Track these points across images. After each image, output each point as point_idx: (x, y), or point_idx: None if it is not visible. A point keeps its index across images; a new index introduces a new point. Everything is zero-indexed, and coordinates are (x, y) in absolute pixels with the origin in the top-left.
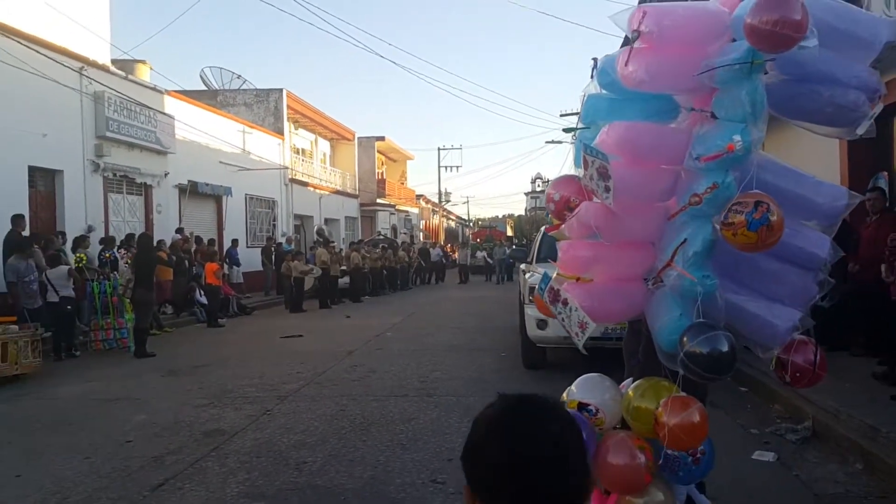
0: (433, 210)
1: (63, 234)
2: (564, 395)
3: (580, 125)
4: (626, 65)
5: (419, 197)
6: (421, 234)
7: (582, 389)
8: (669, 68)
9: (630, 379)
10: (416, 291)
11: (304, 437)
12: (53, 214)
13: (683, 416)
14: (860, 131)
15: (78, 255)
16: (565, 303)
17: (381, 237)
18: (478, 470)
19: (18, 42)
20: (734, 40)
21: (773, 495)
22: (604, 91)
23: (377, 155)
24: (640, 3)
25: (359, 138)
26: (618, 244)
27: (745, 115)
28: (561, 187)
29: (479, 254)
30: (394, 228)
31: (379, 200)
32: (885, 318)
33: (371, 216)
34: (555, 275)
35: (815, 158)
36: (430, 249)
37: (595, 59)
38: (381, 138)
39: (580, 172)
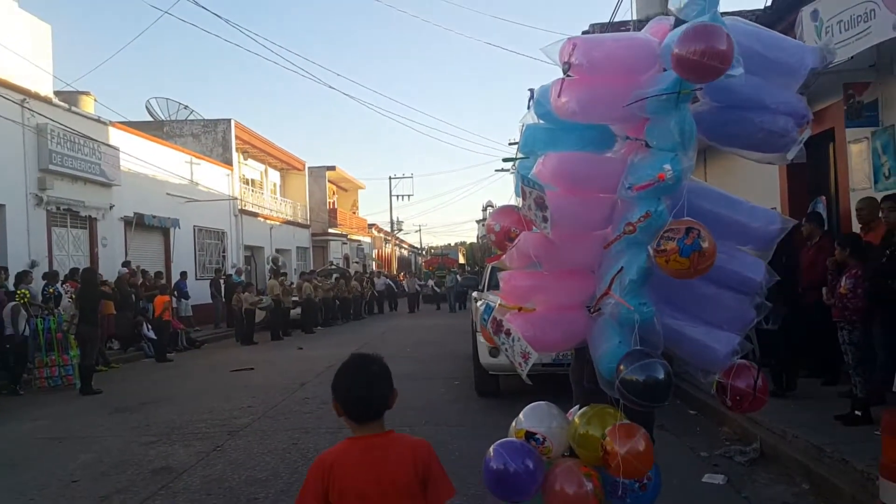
0: (385, 239)
1: (5, 269)
2: (514, 423)
3: (519, 155)
4: (558, 96)
5: (371, 226)
6: (374, 262)
7: (529, 418)
8: (601, 99)
9: (577, 406)
10: (368, 321)
11: (255, 473)
12: None
13: (630, 445)
14: (790, 156)
15: (20, 291)
16: (508, 333)
17: (334, 267)
18: (338, 392)
19: None
20: (665, 70)
21: None
22: (541, 121)
23: (328, 184)
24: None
25: (309, 168)
26: (558, 273)
27: (675, 144)
28: (501, 218)
29: (429, 282)
30: (346, 258)
31: (331, 230)
32: (826, 340)
33: (323, 246)
34: (497, 305)
35: (756, 184)
36: (375, 279)
37: (531, 90)
38: (332, 168)
39: (520, 202)
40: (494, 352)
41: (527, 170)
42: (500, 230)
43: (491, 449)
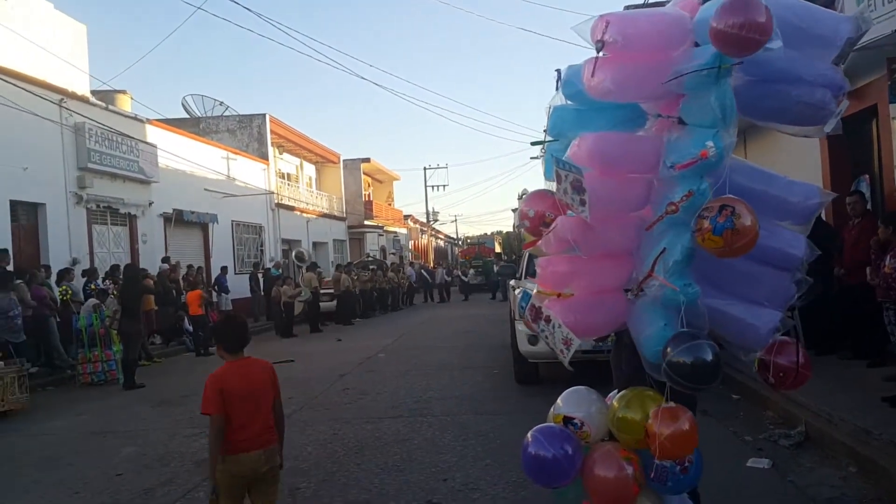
0: (421, 230)
1: (47, 267)
2: (552, 409)
3: (548, 138)
4: (591, 76)
5: (407, 217)
6: (410, 254)
7: (567, 403)
8: (635, 77)
9: (616, 390)
10: (406, 312)
11: (297, 463)
12: (37, 248)
13: (674, 427)
14: (828, 129)
15: (62, 288)
16: (548, 320)
17: (370, 259)
18: (221, 336)
19: None
20: (696, 44)
21: (769, 501)
22: (569, 102)
23: (363, 177)
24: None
25: (344, 161)
26: (595, 256)
27: (716, 121)
28: (534, 203)
29: (470, 272)
30: (382, 250)
31: (366, 222)
32: (871, 320)
33: (359, 238)
34: (535, 292)
35: (798, 163)
36: (408, 268)
37: (558, 71)
38: (367, 160)
39: (552, 186)
40: (534, 339)
41: (559, 152)
42: (535, 216)
43: (529, 434)
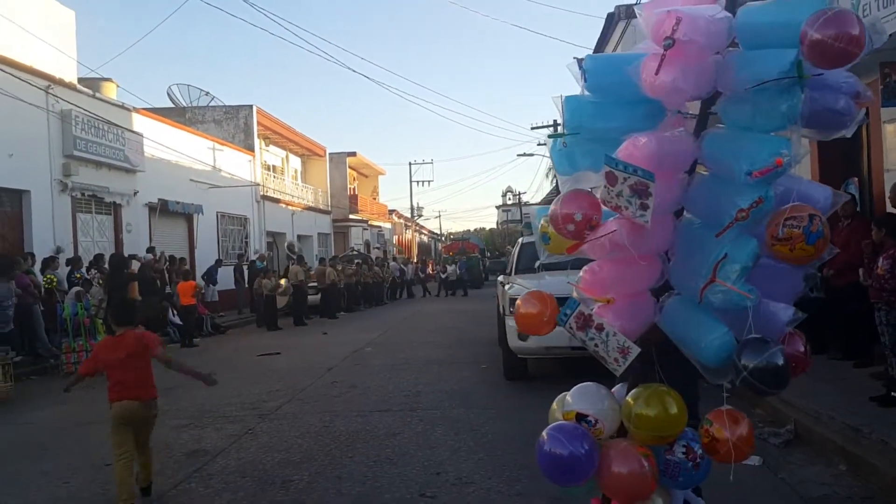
0: (406, 225)
1: (31, 255)
2: (555, 404)
3: (565, 131)
4: (656, 73)
5: (392, 212)
6: (394, 248)
7: (579, 400)
8: (698, 76)
9: (620, 385)
10: (390, 307)
11: (288, 455)
12: (21, 236)
13: (740, 429)
14: (847, 133)
15: (47, 276)
16: (600, 328)
17: (355, 253)
18: (110, 314)
19: None
20: (733, 44)
21: (760, 498)
22: (586, 93)
23: (349, 170)
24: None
25: (330, 154)
26: (631, 259)
27: (780, 127)
28: (579, 205)
29: (450, 268)
30: (367, 244)
31: (351, 216)
32: (863, 322)
33: (344, 232)
34: (578, 296)
35: None
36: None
37: (579, 59)
38: (353, 154)
39: (565, 181)
40: (523, 335)
41: (575, 144)
42: (583, 219)
43: (545, 433)
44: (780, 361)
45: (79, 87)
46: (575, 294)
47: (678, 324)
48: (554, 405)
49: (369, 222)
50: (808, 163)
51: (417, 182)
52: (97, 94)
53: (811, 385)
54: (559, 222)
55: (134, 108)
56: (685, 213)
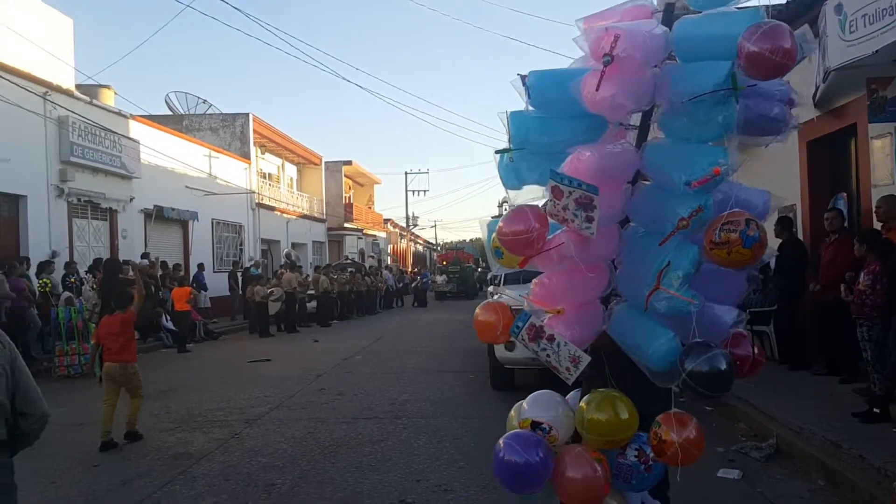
0: (401, 234)
1: (27, 259)
2: (513, 412)
3: (511, 146)
4: (596, 90)
5: (387, 221)
6: (389, 258)
7: (534, 407)
8: (636, 91)
9: (574, 392)
10: (383, 315)
11: (272, 460)
12: (17, 240)
13: (687, 432)
14: (782, 139)
15: (42, 280)
16: (551, 339)
17: (349, 261)
18: (113, 302)
19: None
20: (669, 58)
21: None
22: (531, 109)
23: (344, 179)
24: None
25: (326, 163)
26: (579, 270)
27: (717, 137)
28: (525, 220)
29: (440, 278)
30: (361, 253)
31: (346, 225)
32: (846, 337)
33: (338, 240)
34: (533, 310)
35: (776, 180)
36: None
37: (522, 76)
38: (349, 163)
39: (513, 195)
40: (510, 346)
41: (522, 160)
42: (530, 234)
43: (501, 441)
44: (722, 365)
45: (76, 93)
46: (526, 306)
47: (626, 331)
48: (512, 412)
49: (364, 231)
50: (797, 178)
51: (413, 191)
52: (94, 101)
53: (795, 400)
54: (507, 238)
55: (131, 115)
56: (630, 222)
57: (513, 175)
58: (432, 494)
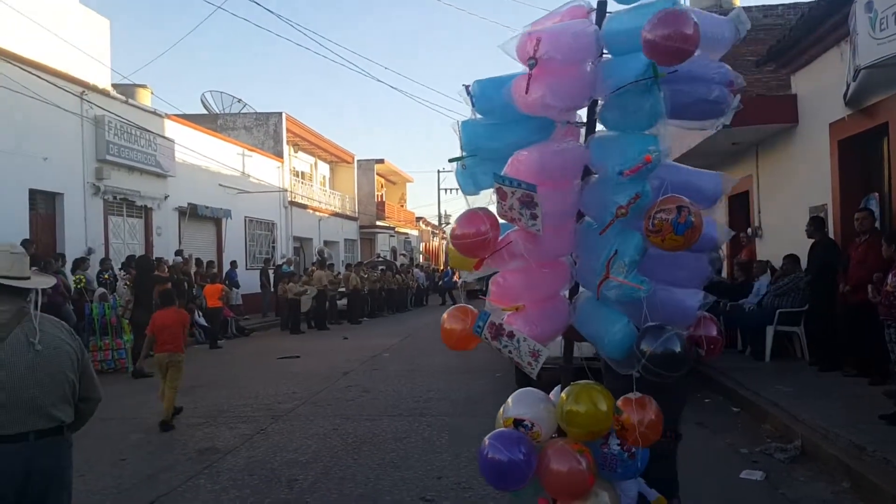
0: (433, 232)
1: (63, 256)
2: (500, 411)
3: (464, 154)
4: (526, 92)
5: (419, 219)
6: (421, 256)
7: (516, 406)
8: (567, 90)
9: (559, 387)
10: (414, 313)
11: (296, 456)
12: (54, 237)
13: (646, 414)
14: (725, 121)
15: (77, 276)
16: (511, 335)
17: (380, 259)
18: (160, 299)
19: (20, 67)
20: (604, 54)
21: None
22: (479, 116)
23: (376, 177)
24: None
25: (358, 161)
26: (538, 266)
27: (649, 125)
28: (474, 223)
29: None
30: (393, 251)
31: (378, 223)
32: (875, 339)
33: (370, 238)
34: (493, 309)
35: (807, 180)
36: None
37: (467, 87)
38: (381, 161)
39: (472, 201)
40: None
41: (475, 167)
42: (480, 236)
43: (485, 440)
44: (676, 347)
45: (112, 93)
46: (487, 306)
47: (586, 322)
48: (500, 412)
49: (396, 229)
50: (829, 178)
51: (445, 190)
52: (130, 101)
53: (824, 402)
54: (459, 241)
55: (166, 114)
56: (585, 216)
57: (470, 181)
58: (451, 492)
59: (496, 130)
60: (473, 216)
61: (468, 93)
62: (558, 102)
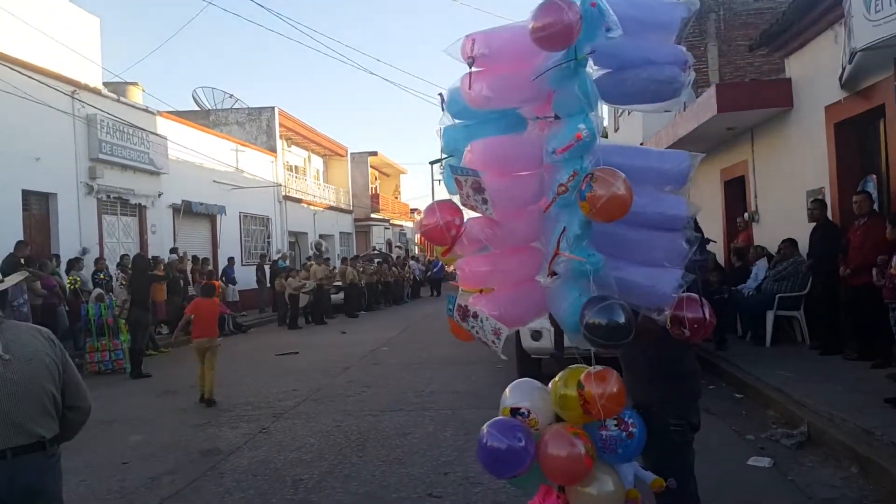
0: None
1: (57, 256)
2: (501, 403)
3: (444, 156)
4: (469, 88)
5: (413, 211)
6: (416, 247)
7: (513, 395)
8: (507, 83)
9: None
10: (410, 305)
11: (300, 455)
12: (48, 237)
13: (606, 387)
14: (684, 99)
15: (71, 277)
16: (475, 316)
17: (376, 252)
18: (202, 292)
19: (10, 67)
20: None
21: (768, 500)
22: (457, 120)
23: (370, 170)
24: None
25: (351, 154)
26: (507, 251)
27: (583, 106)
28: (443, 213)
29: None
30: (388, 243)
31: (373, 215)
32: (877, 321)
33: (366, 231)
34: (459, 293)
35: (804, 163)
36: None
37: (441, 94)
38: (374, 153)
39: (456, 198)
40: (536, 335)
41: (457, 162)
42: (444, 224)
43: (484, 429)
44: (619, 317)
45: (104, 91)
46: (459, 292)
47: (552, 302)
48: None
49: (391, 221)
50: (826, 161)
51: (439, 181)
52: (122, 99)
53: (827, 386)
54: (423, 230)
55: (158, 111)
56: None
57: (452, 181)
58: (459, 487)
59: (472, 131)
60: (431, 208)
61: (442, 101)
62: (493, 95)
